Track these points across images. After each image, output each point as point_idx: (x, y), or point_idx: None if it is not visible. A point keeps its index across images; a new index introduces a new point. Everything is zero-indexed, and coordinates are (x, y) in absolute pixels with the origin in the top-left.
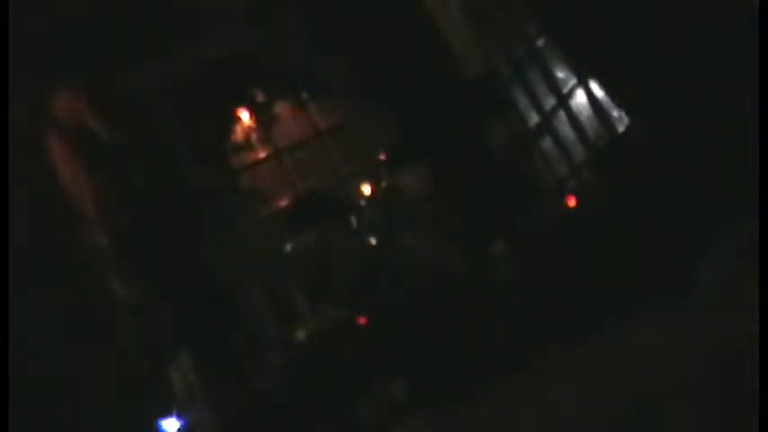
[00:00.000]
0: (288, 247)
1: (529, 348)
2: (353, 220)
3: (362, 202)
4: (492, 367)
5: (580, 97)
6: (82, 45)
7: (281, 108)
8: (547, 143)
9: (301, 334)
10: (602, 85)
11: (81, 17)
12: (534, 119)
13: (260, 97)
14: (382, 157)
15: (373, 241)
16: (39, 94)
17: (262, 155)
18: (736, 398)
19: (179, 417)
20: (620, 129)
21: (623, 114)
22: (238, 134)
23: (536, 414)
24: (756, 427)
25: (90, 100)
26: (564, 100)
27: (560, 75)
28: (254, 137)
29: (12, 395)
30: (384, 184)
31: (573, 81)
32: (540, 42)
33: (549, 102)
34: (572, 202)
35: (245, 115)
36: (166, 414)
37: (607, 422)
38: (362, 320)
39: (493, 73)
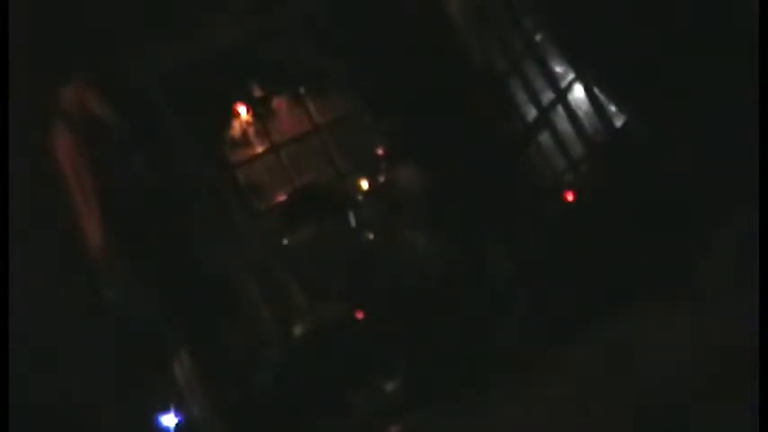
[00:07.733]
0: (285, 243)
1: (528, 347)
2: (351, 216)
3: (361, 198)
4: (491, 365)
5: (578, 92)
6: (82, 40)
7: (280, 103)
8: (545, 138)
9: (299, 330)
10: (601, 79)
11: (82, 12)
12: (532, 114)
13: (258, 92)
14: (380, 152)
15: (371, 237)
16: (41, 89)
17: (260, 150)
18: (736, 397)
19: (177, 412)
20: (619, 124)
21: (622, 109)
22: (236, 129)
23: (536, 414)
24: (757, 426)
25: (93, 95)
26: (562, 95)
27: (558, 69)
28: (252, 132)
29: (11, 394)
30: (382, 180)
31: (571, 76)
32: (539, 37)
33: (548, 97)
34: (570, 197)
35: (243, 110)
36: (165, 409)
37: (607, 422)
38: (360, 316)
39: (491, 68)
